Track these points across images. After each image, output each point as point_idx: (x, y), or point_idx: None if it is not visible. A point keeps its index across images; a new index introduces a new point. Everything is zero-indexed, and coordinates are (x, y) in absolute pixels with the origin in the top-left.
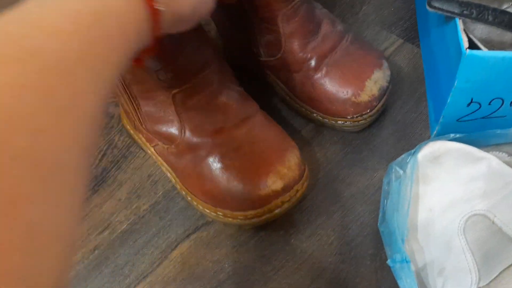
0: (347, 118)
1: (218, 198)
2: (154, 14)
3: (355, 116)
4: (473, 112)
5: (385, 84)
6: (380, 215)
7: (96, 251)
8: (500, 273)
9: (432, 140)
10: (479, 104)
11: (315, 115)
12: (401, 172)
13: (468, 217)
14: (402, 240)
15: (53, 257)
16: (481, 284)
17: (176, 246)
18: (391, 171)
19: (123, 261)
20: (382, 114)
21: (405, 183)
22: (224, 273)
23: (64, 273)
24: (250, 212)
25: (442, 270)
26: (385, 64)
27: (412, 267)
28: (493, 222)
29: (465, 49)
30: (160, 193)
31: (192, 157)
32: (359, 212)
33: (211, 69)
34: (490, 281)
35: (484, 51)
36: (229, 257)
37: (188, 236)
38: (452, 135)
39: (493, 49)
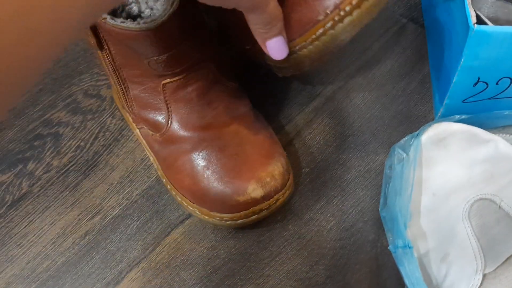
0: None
1: (196, 195)
2: None
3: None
4: (479, 93)
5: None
6: (382, 200)
7: (87, 237)
8: (507, 259)
9: (437, 122)
10: (486, 83)
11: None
12: (404, 155)
13: (473, 202)
14: (405, 225)
15: None
16: (487, 271)
17: (170, 232)
18: (393, 154)
19: (115, 247)
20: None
21: (408, 166)
22: (220, 259)
23: None
24: (226, 215)
25: (446, 257)
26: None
27: (415, 253)
28: (499, 207)
29: (473, 24)
30: (154, 177)
31: (176, 149)
32: (360, 197)
33: (206, 63)
34: (497, 267)
35: (492, 26)
36: (225, 243)
37: (182, 221)
38: (457, 116)
39: None
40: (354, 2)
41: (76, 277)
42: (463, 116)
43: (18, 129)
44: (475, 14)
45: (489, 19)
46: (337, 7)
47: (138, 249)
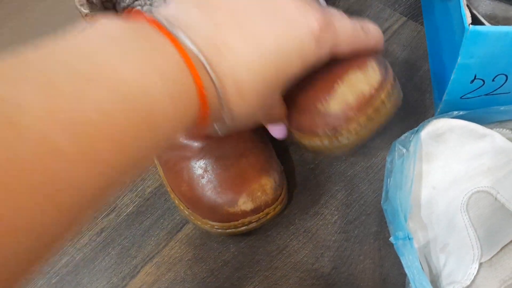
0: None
1: (191, 201)
2: (204, 104)
3: (328, 130)
4: (476, 89)
5: (367, 88)
6: (383, 193)
7: (103, 234)
8: (502, 248)
9: (435, 118)
10: (483, 80)
11: None
12: (404, 150)
13: (471, 194)
14: (405, 218)
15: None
16: (483, 259)
17: (181, 228)
18: (394, 149)
19: (130, 243)
20: None
21: (408, 161)
22: (229, 253)
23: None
24: (217, 224)
25: (445, 247)
26: (372, 65)
27: (415, 244)
28: (495, 199)
29: (468, 24)
30: None
31: (176, 155)
32: (363, 191)
33: None
34: (492, 256)
35: (487, 26)
36: (234, 237)
37: None
38: (455, 112)
39: (497, 25)
40: (352, 130)
41: (93, 272)
42: (461, 112)
43: None
44: (470, 15)
45: (487, 16)
46: (335, 129)
47: (151, 244)
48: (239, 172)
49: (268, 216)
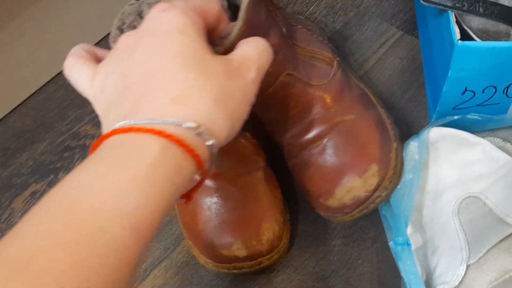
0: (320, 213)
1: (191, 233)
2: (198, 162)
3: (327, 214)
4: (467, 100)
5: (362, 194)
6: None
7: None
8: (488, 250)
9: (429, 127)
10: (473, 92)
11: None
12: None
13: (462, 199)
14: (406, 224)
15: None
16: (471, 261)
17: None
18: None
19: None
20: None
21: (406, 169)
22: None
23: None
24: (211, 261)
25: (437, 249)
26: (372, 170)
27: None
28: (484, 204)
29: (457, 40)
30: None
31: None
32: None
33: None
34: (479, 258)
35: (475, 42)
36: None
37: None
38: (449, 117)
39: (489, 39)
40: (346, 218)
41: None
42: (456, 117)
43: (48, 142)
44: (459, 31)
45: (479, 30)
46: (332, 216)
47: (160, 249)
48: (240, 216)
49: (262, 265)
